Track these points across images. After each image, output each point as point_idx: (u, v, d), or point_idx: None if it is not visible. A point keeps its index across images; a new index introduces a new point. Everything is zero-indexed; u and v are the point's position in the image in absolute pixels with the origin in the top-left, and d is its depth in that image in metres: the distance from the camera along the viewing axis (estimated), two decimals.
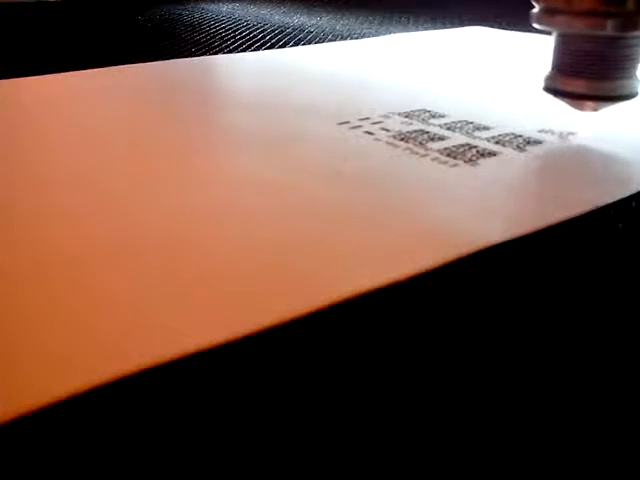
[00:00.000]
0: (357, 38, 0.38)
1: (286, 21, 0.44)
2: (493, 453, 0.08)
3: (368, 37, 0.38)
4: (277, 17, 0.47)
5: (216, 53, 0.33)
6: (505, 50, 0.34)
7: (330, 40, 0.37)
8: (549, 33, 0.18)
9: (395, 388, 0.09)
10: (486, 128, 0.20)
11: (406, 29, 0.41)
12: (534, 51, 0.33)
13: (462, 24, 0.43)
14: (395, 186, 0.16)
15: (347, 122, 0.21)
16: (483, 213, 0.14)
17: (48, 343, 0.10)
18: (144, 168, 0.17)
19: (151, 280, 0.11)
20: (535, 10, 0.18)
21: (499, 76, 0.27)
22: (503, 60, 0.31)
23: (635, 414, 0.08)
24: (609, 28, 0.16)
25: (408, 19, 0.46)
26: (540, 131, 0.20)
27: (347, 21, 0.45)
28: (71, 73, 0.28)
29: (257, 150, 0.18)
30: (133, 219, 0.14)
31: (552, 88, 0.18)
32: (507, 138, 0.19)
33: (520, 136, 0.19)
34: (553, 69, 0.18)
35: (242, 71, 0.29)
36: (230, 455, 0.08)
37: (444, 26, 0.42)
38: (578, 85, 0.18)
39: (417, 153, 0.18)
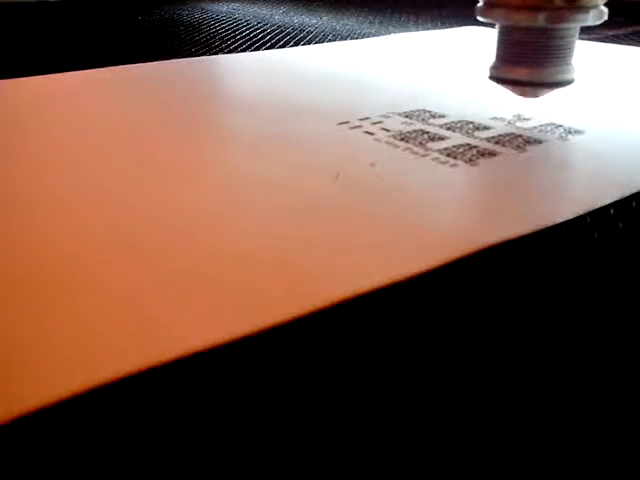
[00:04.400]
0: (357, 38, 0.38)
1: (286, 21, 0.44)
2: (493, 453, 0.08)
3: (368, 37, 0.38)
4: (277, 17, 0.47)
5: (216, 53, 0.33)
6: None
7: (330, 40, 0.37)
8: (493, 26, 0.20)
9: (395, 387, 0.09)
10: (486, 128, 0.20)
11: (406, 29, 0.41)
12: None
13: (462, 24, 0.43)
14: (395, 186, 0.16)
15: (347, 122, 0.21)
16: (483, 213, 0.14)
17: (49, 343, 0.10)
18: (144, 167, 0.17)
19: (152, 279, 0.11)
20: (479, 4, 0.20)
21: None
22: None
23: (634, 414, 0.08)
24: (540, 21, 0.18)
25: (408, 19, 0.46)
26: (540, 131, 0.20)
27: (347, 21, 0.45)
28: (71, 73, 0.28)
29: (257, 149, 0.18)
30: (133, 219, 0.14)
31: (496, 77, 0.20)
32: (507, 138, 0.19)
33: (520, 136, 0.19)
34: (497, 59, 0.20)
35: (242, 71, 0.29)
36: (230, 454, 0.08)
37: (444, 26, 0.42)
38: (519, 73, 0.19)
39: (417, 153, 0.18)
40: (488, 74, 0.20)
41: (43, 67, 0.29)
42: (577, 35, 0.19)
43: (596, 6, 0.18)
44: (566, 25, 0.18)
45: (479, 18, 0.20)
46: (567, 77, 0.19)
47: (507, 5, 0.19)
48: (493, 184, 0.16)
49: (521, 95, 0.20)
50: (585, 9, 0.18)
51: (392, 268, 0.12)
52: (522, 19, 0.18)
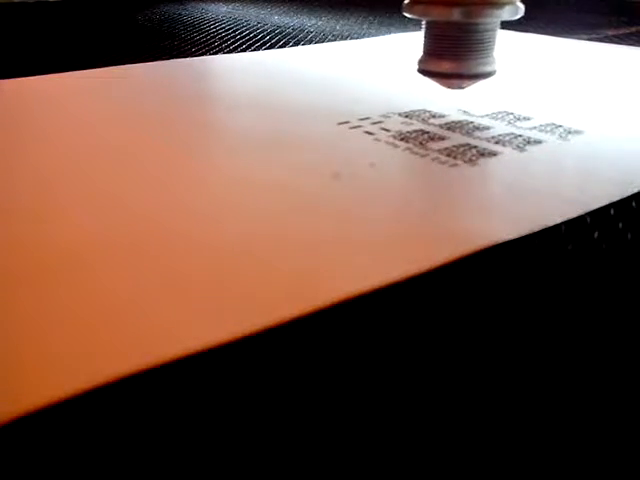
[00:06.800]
0: (357, 38, 0.38)
1: (286, 21, 0.44)
2: (493, 453, 0.08)
3: (368, 37, 0.38)
4: (277, 17, 0.47)
5: (216, 53, 0.33)
6: (503, 49, 0.34)
7: (330, 40, 0.37)
8: (420, 22, 0.21)
9: (395, 387, 0.09)
10: (486, 128, 0.20)
11: (406, 29, 0.41)
12: (531, 50, 0.33)
13: None
14: (395, 186, 0.16)
15: (347, 122, 0.21)
16: (483, 213, 0.14)
17: (48, 343, 0.10)
18: (143, 168, 0.17)
19: (151, 280, 0.11)
20: (405, 1, 0.20)
21: (498, 75, 0.27)
22: (501, 59, 0.31)
23: (634, 414, 0.08)
24: (455, 15, 0.19)
25: (408, 19, 0.46)
26: (540, 131, 0.20)
27: (347, 21, 0.45)
28: (71, 73, 0.28)
29: (257, 150, 0.18)
30: (132, 219, 0.14)
31: (423, 70, 0.21)
32: (507, 138, 0.19)
33: (520, 136, 0.19)
34: (423, 53, 0.21)
35: (242, 71, 0.29)
36: (230, 455, 0.08)
37: None
38: (442, 66, 0.20)
39: (417, 153, 0.18)
40: (416, 68, 0.21)
41: (43, 67, 0.29)
42: (497, 29, 0.20)
43: (512, 2, 0.19)
44: (481, 20, 0.19)
45: (404, 14, 0.20)
46: (488, 69, 0.20)
47: (426, 1, 0.19)
48: (493, 184, 0.16)
49: (447, 87, 0.20)
50: (500, 4, 0.19)
51: (391, 268, 0.12)
52: (439, 14, 0.19)
